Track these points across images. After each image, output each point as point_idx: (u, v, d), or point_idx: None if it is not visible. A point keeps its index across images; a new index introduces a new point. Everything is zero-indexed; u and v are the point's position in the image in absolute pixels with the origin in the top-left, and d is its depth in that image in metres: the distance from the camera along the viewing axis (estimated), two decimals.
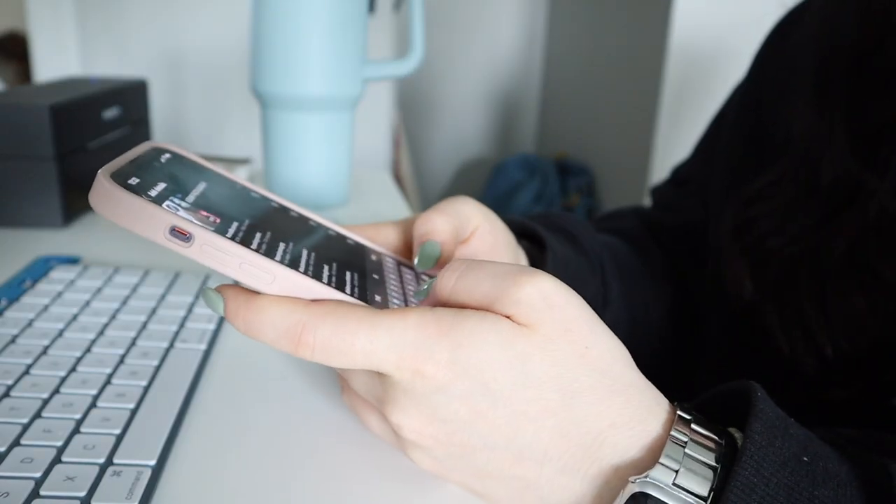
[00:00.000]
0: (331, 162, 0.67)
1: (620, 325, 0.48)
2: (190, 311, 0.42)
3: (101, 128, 0.66)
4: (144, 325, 0.40)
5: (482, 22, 2.52)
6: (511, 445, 0.24)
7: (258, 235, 0.26)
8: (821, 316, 0.39)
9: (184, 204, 0.25)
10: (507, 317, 0.24)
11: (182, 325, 0.40)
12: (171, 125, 1.66)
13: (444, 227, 0.32)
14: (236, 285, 0.26)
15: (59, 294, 0.43)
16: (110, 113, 0.68)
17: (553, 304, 0.24)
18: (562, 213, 0.49)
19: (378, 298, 0.28)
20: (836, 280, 0.39)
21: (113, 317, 0.41)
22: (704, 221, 0.52)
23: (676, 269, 0.55)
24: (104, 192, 0.23)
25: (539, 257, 0.41)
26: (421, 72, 2.31)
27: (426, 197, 2.53)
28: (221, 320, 0.42)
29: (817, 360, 0.40)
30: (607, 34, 2.02)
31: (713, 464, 0.24)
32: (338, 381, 0.31)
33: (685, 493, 0.23)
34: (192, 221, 0.24)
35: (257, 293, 0.25)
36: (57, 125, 0.58)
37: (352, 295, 0.26)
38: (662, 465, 0.23)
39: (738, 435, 0.25)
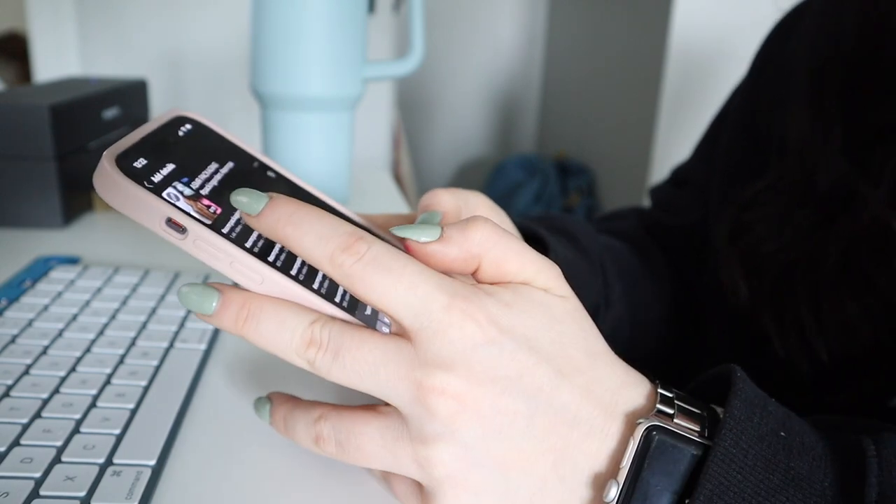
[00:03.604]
0: (331, 162, 0.67)
1: (622, 325, 0.48)
2: (190, 311, 0.42)
3: (101, 128, 0.67)
4: (144, 325, 0.40)
5: (482, 22, 2.52)
6: (549, 408, 0.25)
7: (256, 233, 0.26)
8: (815, 321, 0.39)
9: (187, 191, 0.25)
10: (545, 289, 0.26)
11: (182, 325, 0.40)
12: None
13: (448, 201, 0.32)
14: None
15: (59, 294, 0.43)
16: (110, 113, 0.68)
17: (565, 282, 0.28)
18: (562, 214, 0.49)
19: (368, 312, 0.27)
20: (831, 286, 0.39)
21: (113, 317, 0.41)
22: (704, 222, 0.52)
23: (677, 270, 0.55)
24: (105, 176, 0.23)
25: None
26: (421, 72, 2.31)
27: None
28: None
29: (813, 365, 0.40)
30: (607, 34, 2.02)
31: (699, 412, 0.26)
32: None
33: (685, 429, 0.25)
34: (188, 214, 0.24)
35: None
36: (57, 125, 0.58)
37: (340, 304, 0.26)
38: (660, 408, 0.26)
39: (719, 410, 0.27)
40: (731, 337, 0.48)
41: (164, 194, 0.24)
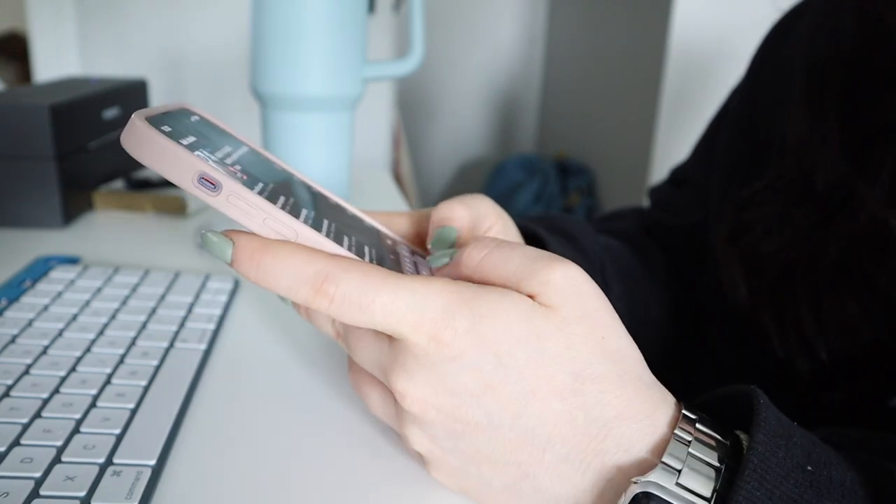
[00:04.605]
0: (331, 162, 0.67)
1: None
2: (190, 311, 0.42)
3: (101, 128, 0.67)
4: (144, 325, 0.40)
5: (482, 22, 2.52)
6: (515, 425, 0.24)
7: (282, 198, 0.27)
8: (815, 321, 0.39)
9: (213, 157, 0.25)
10: (531, 296, 0.25)
11: (182, 325, 0.40)
12: None
13: (463, 215, 0.32)
14: (247, 232, 0.25)
15: (59, 294, 0.43)
16: (110, 113, 0.68)
17: (579, 290, 0.25)
18: (561, 214, 0.49)
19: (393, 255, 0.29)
20: (830, 285, 0.39)
21: (113, 317, 0.41)
22: (703, 222, 0.52)
23: (676, 270, 0.55)
24: (138, 132, 0.24)
25: None
26: (421, 72, 2.31)
27: (426, 197, 2.53)
28: (221, 320, 0.42)
29: (813, 364, 0.40)
30: (607, 34, 2.02)
31: (716, 464, 0.24)
32: (347, 361, 0.31)
33: (688, 492, 0.23)
34: (220, 171, 0.24)
35: (274, 240, 0.25)
36: (57, 125, 0.58)
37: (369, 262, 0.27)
38: (665, 464, 0.23)
39: (743, 436, 0.25)
40: (731, 337, 0.48)
41: (196, 153, 0.24)
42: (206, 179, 0.24)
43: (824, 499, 0.23)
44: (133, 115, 0.24)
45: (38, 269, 0.47)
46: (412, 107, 2.48)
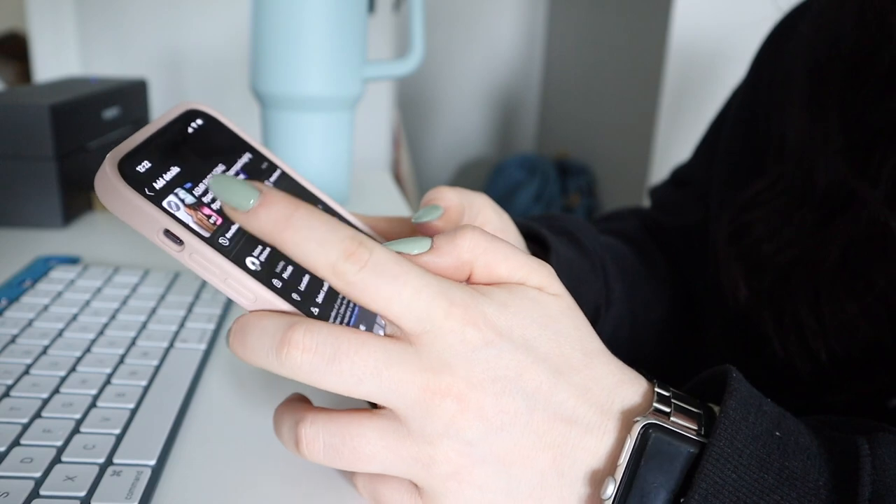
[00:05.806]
0: (331, 162, 0.67)
1: (623, 325, 0.48)
2: (190, 311, 0.42)
3: (101, 128, 0.67)
4: (144, 325, 0.40)
5: (482, 22, 2.52)
6: (549, 404, 0.25)
7: (258, 248, 0.25)
8: (815, 321, 0.39)
9: (189, 199, 0.25)
10: (539, 288, 0.27)
11: (182, 325, 0.40)
12: None
13: (452, 198, 0.33)
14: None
15: (59, 294, 0.43)
16: (110, 113, 0.68)
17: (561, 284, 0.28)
18: (563, 214, 0.49)
19: (363, 327, 0.26)
20: (830, 286, 0.39)
21: (113, 317, 0.41)
22: (704, 222, 0.52)
23: (677, 270, 0.55)
24: (106, 181, 0.23)
25: (543, 259, 0.41)
26: (421, 72, 2.31)
27: None
28: (222, 320, 0.42)
29: (812, 365, 0.40)
30: (607, 34, 2.02)
31: (697, 410, 0.26)
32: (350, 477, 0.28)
33: (682, 427, 0.25)
34: (186, 226, 0.24)
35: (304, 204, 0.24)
36: (57, 125, 0.58)
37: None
38: (657, 407, 0.26)
39: (716, 408, 0.27)
40: (731, 337, 0.48)
41: (165, 203, 0.24)
42: (170, 234, 0.24)
43: (790, 459, 0.25)
44: (107, 157, 0.23)
45: (38, 269, 0.47)
46: (412, 107, 2.48)
